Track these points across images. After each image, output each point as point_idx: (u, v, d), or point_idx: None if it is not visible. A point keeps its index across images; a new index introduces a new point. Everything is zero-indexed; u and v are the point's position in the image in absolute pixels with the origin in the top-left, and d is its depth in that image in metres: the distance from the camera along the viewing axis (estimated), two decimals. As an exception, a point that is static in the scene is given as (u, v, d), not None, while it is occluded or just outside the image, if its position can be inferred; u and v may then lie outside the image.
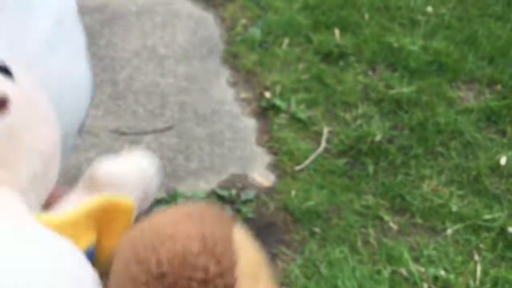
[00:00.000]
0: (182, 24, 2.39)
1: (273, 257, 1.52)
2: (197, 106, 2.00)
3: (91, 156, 1.78)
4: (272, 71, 2.14)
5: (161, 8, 2.46)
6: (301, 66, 2.17)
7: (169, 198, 1.65)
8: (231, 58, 2.21)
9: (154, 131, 1.89)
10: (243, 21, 2.39)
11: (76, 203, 0.40)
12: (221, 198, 1.67)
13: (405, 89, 2.07)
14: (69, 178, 1.69)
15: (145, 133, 1.88)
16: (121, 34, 2.31)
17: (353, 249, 1.56)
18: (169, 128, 1.91)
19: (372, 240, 1.59)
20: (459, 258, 1.54)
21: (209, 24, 2.40)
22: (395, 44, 2.25)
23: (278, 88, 2.05)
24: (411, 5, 2.49)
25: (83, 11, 2.52)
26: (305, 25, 2.36)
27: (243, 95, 2.06)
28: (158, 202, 1.64)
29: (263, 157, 1.83)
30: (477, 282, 1.49)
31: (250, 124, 1.95)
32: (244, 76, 2.13)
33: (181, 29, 2.36)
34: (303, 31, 2.33)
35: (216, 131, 1.91)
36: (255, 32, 2.30)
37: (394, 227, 1.64)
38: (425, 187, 1.75)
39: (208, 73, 2.15)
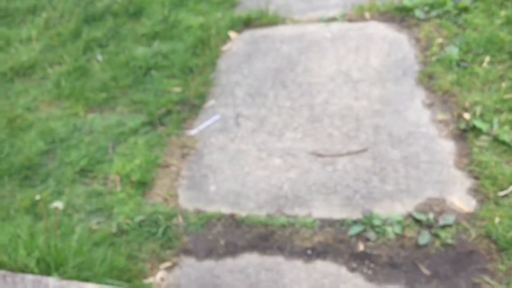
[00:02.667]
0: (376, 47, 2.42)
1: (474, 287, 1.46)
2: (392, 129, 2.01)
3: (291, 177, 1.90)
4: (471, 91, 2.06)
5: (354, 33, 2.52)
6: (504, 84, 2.05)
7: (365, 220, 1.68)
8: (426, 79, 2.18)
9: (349, 153, 1.95)
10: (439, 40, 2.33)
11: None
12: (418, 222, 1.65)
13: None
14: (271, 197, 1.83)
15: (341, 155, 1.95)
16: (317, 60, 2.42)
17: None
18: (364, 150, 1.94)
19: None
20: None
21: (403, 45, 2.39)
22: None
23: (478, 109, 1.96)
24: None
25: (282, 40, 2.71)
26: (509, 41, 2.22)
27: (440, 116, 2.01)
28: (355, 223, 1.69)
29: (462, 181, 1.76)
30: None
31: (447, 146, 1.89)
32: (441, 97, 2.08)
33: (374, 52, 2.39)
34: (506, 48, 2.19)
35: (412, 154, 1.89)
36: (453, 51, 2.24)
37: None
38: None
39: (402, 95, 2.14)
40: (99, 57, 2.67)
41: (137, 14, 2.90)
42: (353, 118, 2.10)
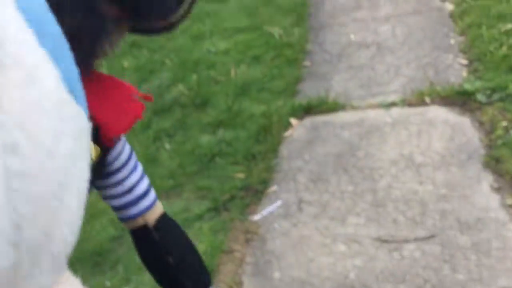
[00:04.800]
0: (438, 131, 2.42)
1: None
2: (459, 214, 1.96)
3: (357, 264, 1.87)
4: (542, 174, 2.00)
5: (415, 118, 2.54)
6: None
7: (436, 310, 1.61)
8: (493, 163, 2.14)
9: (416, 240, 1.90)
10: (504, 123, 2.31)
11: None
12: (494, 313, 1.57)
13: None
14: (336, 285, 1.79)
15: (407, 241, 1.91)
16: (378, 145, 2.44)
17: None
18: (432, 236, 1.90)
19: None
20: None
21: (466, 129, 2.38)
22: None
23: (551, 193, 1.90)
24: None
25: (342, 126, 2.74)
26: None
27: (510, 201, 1.95)
28: (425, 313, 1.62)
29: (539, 270, 1.67)
30: None
31: (520, 232, 1.82)
32: (509, 181, 2.03)
33: (436, 136, 2.39)
34: None
35: (482, 240, 1.83)
36: (518, 134, 2.20)
37: None
38: None
39: (469, 179, 2.11)
40: (167, 146, 2.80)
41: (203, 104, 3.05)
42: (418, 202, 2.07)
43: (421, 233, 1.93)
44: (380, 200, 2.14)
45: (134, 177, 0.84)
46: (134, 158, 0.85)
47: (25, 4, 0.34)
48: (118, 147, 0.83)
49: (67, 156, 0.35)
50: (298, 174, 2.40)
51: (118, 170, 0.83)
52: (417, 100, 2.67)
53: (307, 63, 3.24)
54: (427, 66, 2.91)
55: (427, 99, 2.64)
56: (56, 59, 0.35)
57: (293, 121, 2.78)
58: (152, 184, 0.90)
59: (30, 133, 0.32)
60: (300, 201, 2.24)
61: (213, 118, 2.93)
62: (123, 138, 0.83)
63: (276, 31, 3.52)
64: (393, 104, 2.69)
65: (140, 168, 0.85)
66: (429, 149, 2.33)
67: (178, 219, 2.28)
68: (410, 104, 2.66)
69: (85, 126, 0.38)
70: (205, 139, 2.77)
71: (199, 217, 2.27)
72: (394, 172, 2.26)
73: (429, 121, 2.50)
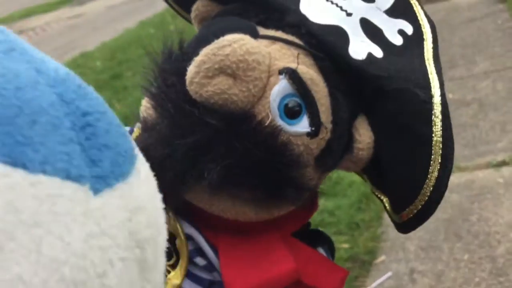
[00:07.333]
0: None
1: None
2: None
3: None
4: None
5: (530, 176, 2.38)
6: None
7: None
8: None
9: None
10: None
11: None
12: None
13: None
14: None
15: (538, 314, 1.73)
16: (492, 208, 2.29)
17: None
18: None
19: None
20: None
21: None
22: None
23: None
24: None
25: (450, 189, 2.61)
26: None
27: None
28: None
29: None
30: None
31: None
32: None
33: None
34: None
35: None
36: None
37: None
38: None
39: None
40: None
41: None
42: (546, 270, 1.89)
43: (553, 304, 1.74)
44: (501, 268, 1.98)
45: None
46: None
47: None
48: None
49: None
50: (407, 242, 2.29)
51: None
52: (530, 157, 2.50)
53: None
54: (537, 120, 2.75)
55: (542, 156, 2.46)
56: None
57: (396, 186, 2.69)
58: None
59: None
60: (412, 272, 2.12)
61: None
62: None
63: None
64: (503, 163, 2.54)
65: None
66: (551, 210, 2.15)
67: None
68: (523, 162, 2.50)
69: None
70: (306, 209, 2.74)
71: (306, 290, 2.21)
72: (514, 237, 2.10)
73: (546, 179, 2.32)
